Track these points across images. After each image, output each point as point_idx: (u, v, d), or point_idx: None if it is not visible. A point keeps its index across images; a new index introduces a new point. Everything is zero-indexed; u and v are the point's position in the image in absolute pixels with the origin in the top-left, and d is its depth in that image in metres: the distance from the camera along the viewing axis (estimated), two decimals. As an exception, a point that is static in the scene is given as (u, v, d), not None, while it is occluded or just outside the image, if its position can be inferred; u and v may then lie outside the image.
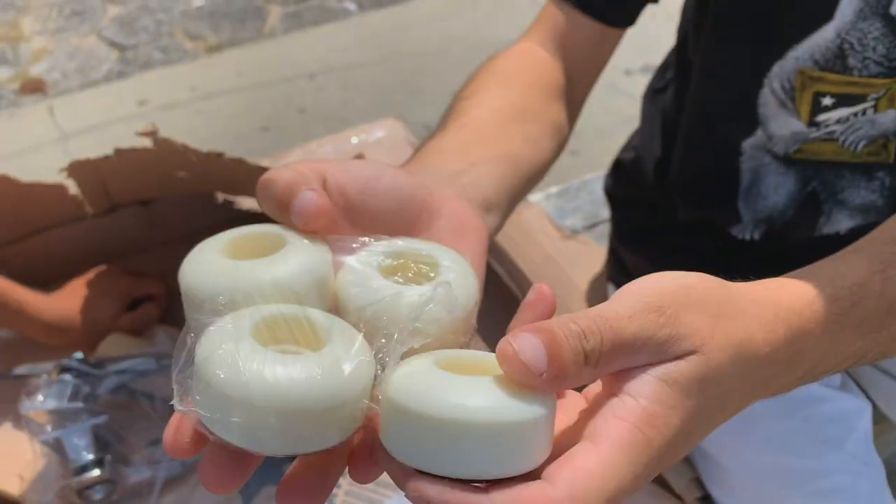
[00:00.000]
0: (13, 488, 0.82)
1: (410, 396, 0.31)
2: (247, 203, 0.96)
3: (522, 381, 0.31)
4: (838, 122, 0.69)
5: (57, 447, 0.80)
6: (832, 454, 0.77)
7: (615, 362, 0.33)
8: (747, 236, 0.78)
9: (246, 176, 0.89)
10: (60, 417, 0.81)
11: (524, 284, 1.00)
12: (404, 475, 0.32)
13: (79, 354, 0.85)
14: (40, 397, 0.81)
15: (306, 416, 0.31)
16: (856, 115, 0.68)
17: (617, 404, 0.33)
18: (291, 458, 0.35)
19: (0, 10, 2.33)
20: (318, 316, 0.34)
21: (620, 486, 0.31)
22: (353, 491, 0.84)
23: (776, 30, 0.66)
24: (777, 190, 0.75)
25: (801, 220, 0.76)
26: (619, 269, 0.94)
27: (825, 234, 0.76)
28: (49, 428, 0.80)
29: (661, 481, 0.86)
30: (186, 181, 0.92)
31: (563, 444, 0.33)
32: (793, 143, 0.71)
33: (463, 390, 0.30)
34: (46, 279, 0.95)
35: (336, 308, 0.37)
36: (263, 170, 0.86)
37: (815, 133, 0.70)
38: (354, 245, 0.39)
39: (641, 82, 1.00)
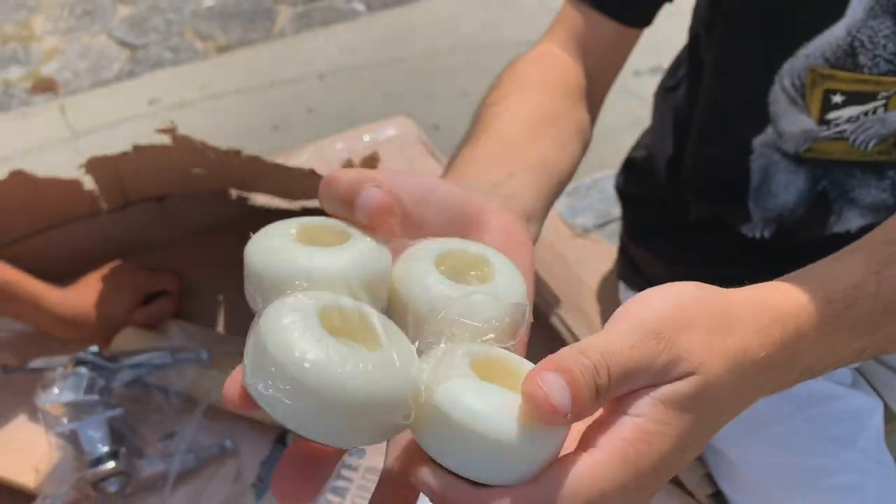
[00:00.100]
0: (29, 480, 0.83)
1: (455, 406, 0.32)
2: (260, 199, 0.97)
3: (549, 423, 0.32)
4: (849, 121, 0.69)
5: (72, 439, 0.81)
6: (843, 452, 0.77)
7: (619, 392, 0.34)
8: (757, 235, 0.79)
9: (260, 173, 0.90)
10: (76, 410, 0.81)
11: (535, 283, 1.00)
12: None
13: (94, 348, 0.85)
14: (56, 390, 0.81)
15: (369, 409, 0.31)
16: (866, 113, 0.68)
17: (615, 423, 0.34)
18: None
19: (12, 9, 2.34)
20: (373, 314, 0.35)
21: (603, 489, 0.32)
22: (366, 486, 0.84)
23: (788, 27, 0.66)
24: (787, 188, 0.75)
25: (811, 218, 0.76)
26: (630, 267, 0.94)
27: (836, 233, 0.77)
28: (65, 420, 0.81)
29: (672, 478, 0.86)
30: (202, 178, 0.93)
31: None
32: (803, 142, 0.72)
33: (496, 415, 0.31)
34: (62, 274, 0.96)
35: (390, 302, 0.38)
36: (278, 167, 0.88)
37: (825, 132, 0.70)
38: (410, 245, 0.40)
39: (650, 83, 1.01)
